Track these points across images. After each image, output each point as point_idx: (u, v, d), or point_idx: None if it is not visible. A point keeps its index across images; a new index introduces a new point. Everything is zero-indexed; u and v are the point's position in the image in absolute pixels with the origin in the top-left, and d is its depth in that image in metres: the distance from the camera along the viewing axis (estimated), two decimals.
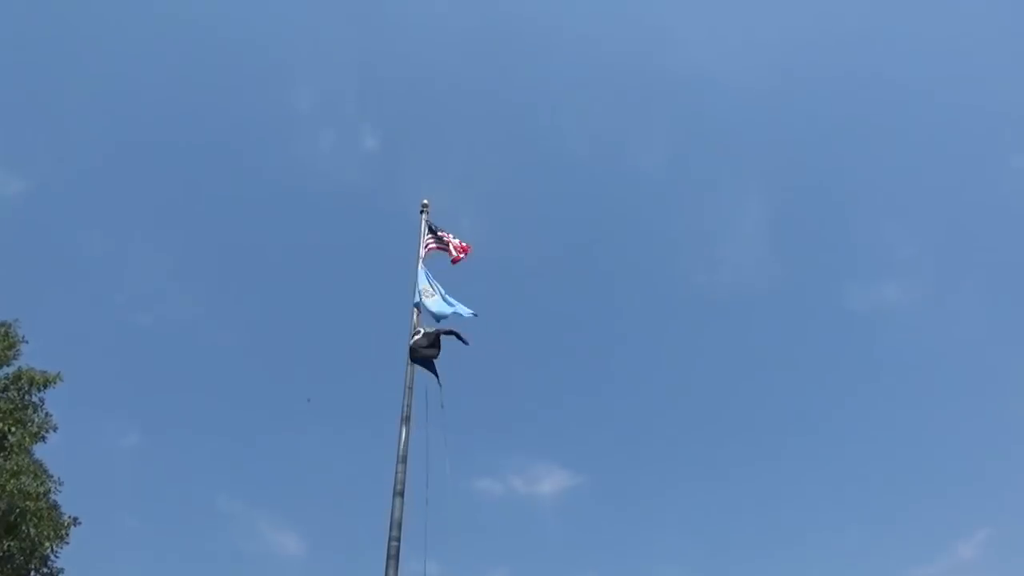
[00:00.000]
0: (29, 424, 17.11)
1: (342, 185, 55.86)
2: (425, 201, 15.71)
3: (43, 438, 17.42)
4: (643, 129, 57.67)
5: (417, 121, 57.24)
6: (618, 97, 57.33)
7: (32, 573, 16.86)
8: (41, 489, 16.52)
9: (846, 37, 55.28)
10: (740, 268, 55.82)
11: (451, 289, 14.77)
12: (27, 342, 18.12)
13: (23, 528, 16.15)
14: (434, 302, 14.26)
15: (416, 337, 13.59)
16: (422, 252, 15.26)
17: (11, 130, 50.98)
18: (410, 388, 13.46)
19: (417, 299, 14.22)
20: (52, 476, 17.19)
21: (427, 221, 15.70)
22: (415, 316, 14.03)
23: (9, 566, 16.33)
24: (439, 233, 15.71)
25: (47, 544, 16.55)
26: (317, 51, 55.63)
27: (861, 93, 56.12)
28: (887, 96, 55.88)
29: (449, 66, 56.25)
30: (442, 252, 15.64)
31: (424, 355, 13.45)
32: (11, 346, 17.86)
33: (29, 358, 18.13)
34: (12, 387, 17.31)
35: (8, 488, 15.88)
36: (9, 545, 16.07)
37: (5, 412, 16.65)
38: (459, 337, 13.40)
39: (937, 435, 48.65)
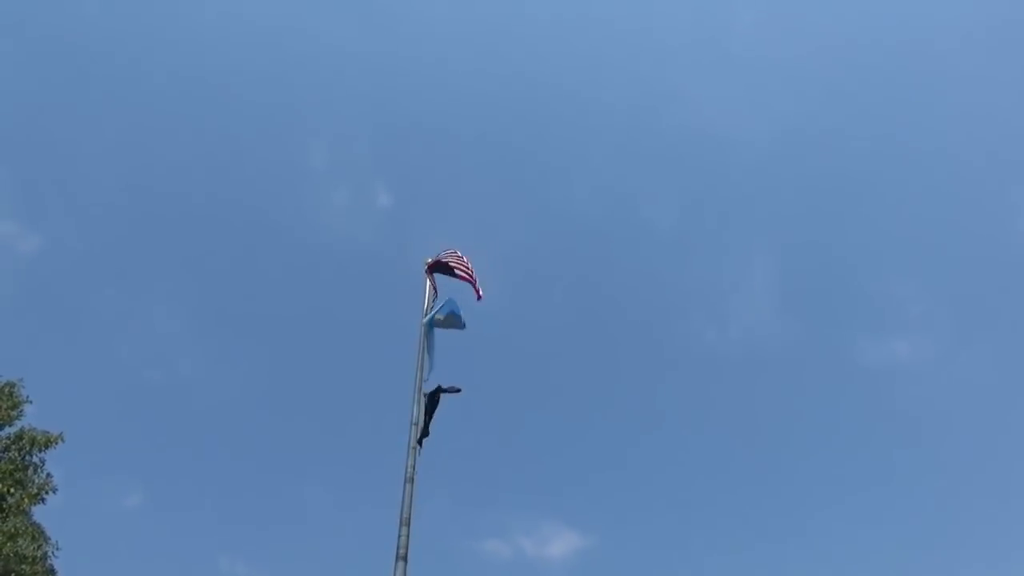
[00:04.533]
0: (29, 485, 16.88)
1: (355, 242, 56.29)
2: (429, 260, 15.62)
3: (42, 499, 17.18)
4: (654, 188, 58.25)
5: (430, 178, 57.93)
6: (629, 156, 58.09)
7: None
8: (38, 553, 16.21)
9: (856, 96, 56.11)
10: (751, 325, 55.62)
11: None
12: (31, 402, 18.05)
13: None
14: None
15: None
16: (429, 306, 15.22)
17: (29, 187, 51.82)
18: (413, 448, 13.26)
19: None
20: (50, 539, 16.91)
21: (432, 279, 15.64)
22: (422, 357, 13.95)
23: None
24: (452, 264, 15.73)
25: None
26: (331, 110, 56.67)
27: (870, 151, 56.71)
28: (896, 154, 56.40)
29: (461, 124, 57.15)
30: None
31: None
32: (15, 406, 17.75)
33: (35, 417, 18.04)
34: (13, 447, 17.13)
35: (4, 551, 15.59)
36: None
37: (5, 473, 16.44)
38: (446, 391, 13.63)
39: (951, 489, 47.73)
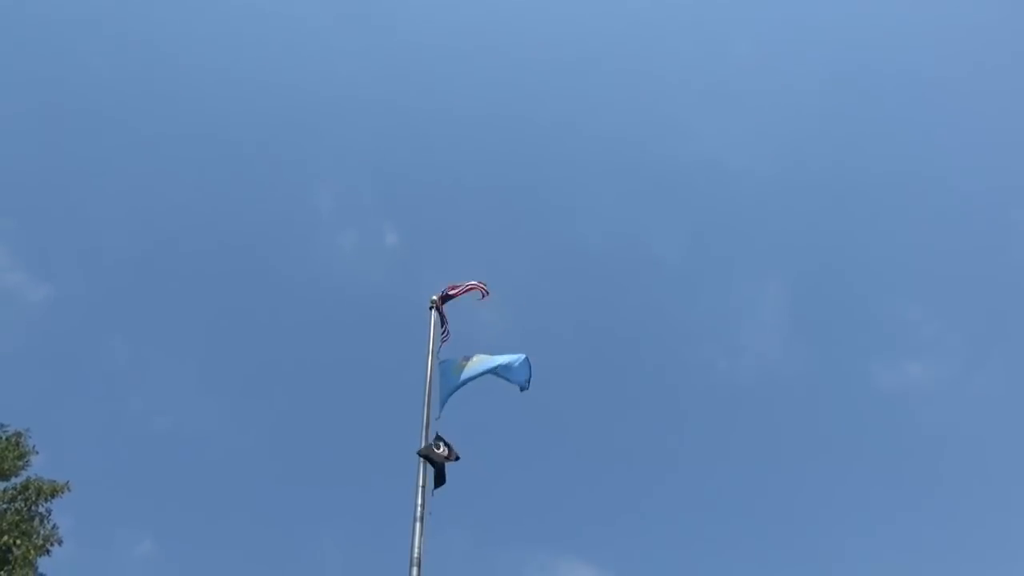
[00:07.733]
0: (35, 536, 16.64)
1: (364, 285, 56.34)
2: (434, 297, 15.61)
3: (48, 551, 16.89)
4: (660, 221, 58.27)
5: (435, 216, 58.12)
6: (634, 190, 58.19)
7: None
8: None
9: (860, 118, 56.24)
10: (763, 353, 55.19)
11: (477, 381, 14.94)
12: (38, 452, 17.92)
13: None
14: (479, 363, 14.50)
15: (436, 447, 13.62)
16: (437, 346, 15.14)
17: (38, 237, 52.26)
18: (423, 487, 13.11)
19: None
20: None
21: (437, 317, 15.60)
22: (427, 409, 13.88)
23: None
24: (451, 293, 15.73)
25: None
26: (336, 151, 57.16)
27: (876, 172, 56.70)
28: (900, 177, 56.37)
29: (466, 162, 57.50)
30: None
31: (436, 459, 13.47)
32: (21, 456, 17.63)
33: (42, 467, 17.89)
34: (20, 497, 16.95)
35: None
36: None
37: (11, 524, 16.24)
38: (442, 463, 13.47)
39: (969, 514, 46.85)
